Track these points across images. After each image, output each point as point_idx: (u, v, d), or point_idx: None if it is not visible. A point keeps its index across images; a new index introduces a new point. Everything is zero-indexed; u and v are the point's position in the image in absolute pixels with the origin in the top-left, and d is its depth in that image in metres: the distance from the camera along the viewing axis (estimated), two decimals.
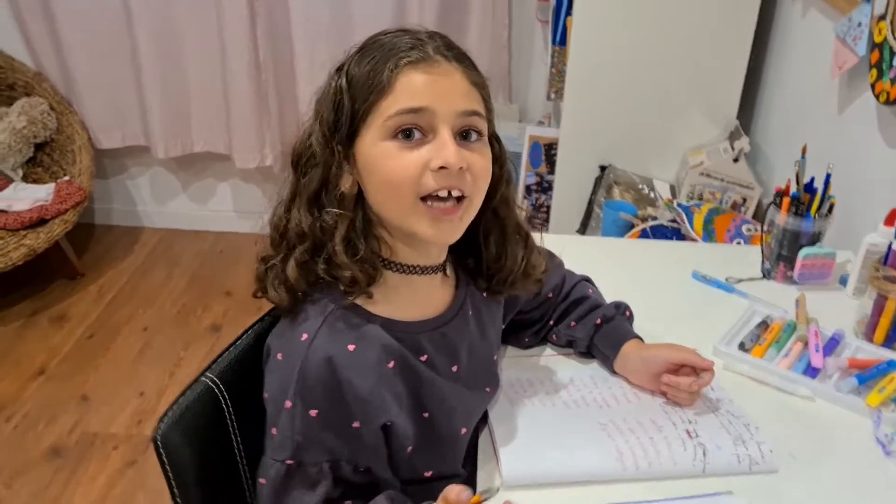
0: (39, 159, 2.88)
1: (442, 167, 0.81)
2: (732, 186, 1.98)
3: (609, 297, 1.19)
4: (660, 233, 1.91)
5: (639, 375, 1.09)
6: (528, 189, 2.30)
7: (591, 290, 1.18)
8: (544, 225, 2.24)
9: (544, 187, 2.31)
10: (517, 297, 1.08)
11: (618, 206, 2.03)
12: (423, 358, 0.91)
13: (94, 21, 2.74)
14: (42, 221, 2.55)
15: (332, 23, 2.62)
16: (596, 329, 1.13)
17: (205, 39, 2.74)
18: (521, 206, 1.02)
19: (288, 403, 0.83)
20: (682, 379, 1.04)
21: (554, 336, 1.17)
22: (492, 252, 0.98)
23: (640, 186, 2.09)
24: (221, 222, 3.15)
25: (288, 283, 0.87)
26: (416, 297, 0.93)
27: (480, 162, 0.86)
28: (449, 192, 0.83)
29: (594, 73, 2.03)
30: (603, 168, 2.13)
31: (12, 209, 2.55)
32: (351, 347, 0.84)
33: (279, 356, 0.87)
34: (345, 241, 0.85)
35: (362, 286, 0.85)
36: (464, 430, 0.96)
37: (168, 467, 0.86)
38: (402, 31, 0.87)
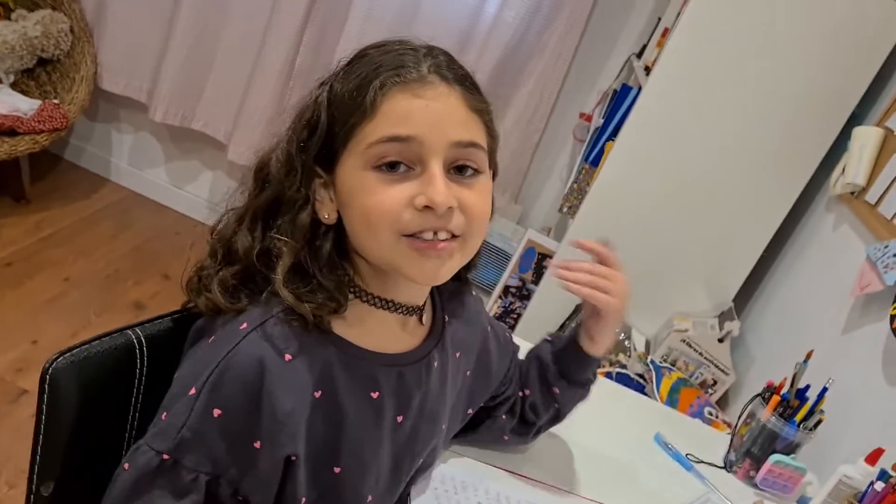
0: (37, 74, 2.74)
1: (427, 206, 0.71)
2: (708, 364, 1.91)
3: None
4: (623, 382, 1.82)
5: (608, 331, 1.04)
6: (506, 290, 2.21)
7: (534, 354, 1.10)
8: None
9: (523, 294, 2.22)
10: (489, 361, 0.98)
11: None
12: (375, 394, 0.79)
13: None
14: (12, 133, 2.39)
15: None
16: (554, 358, 1.06)
17: (249, 27, 2.67)
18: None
19: (192, 390, 0.70)
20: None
21: (530, 414, 1.07)
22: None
23: (618, 331, 2.01)
24: (190, 206, 3.00)
25: (211, 296, 0.76)
26: (380, 330, 0.81)
27: (475, 199, 0.74)
28: (434, 234, 0.73)
29: (614, 203, 1.98)
30: None
31: None
32: (288, 357, 0.72)
33: (210, 339, 0.74)
34: (291, 272, 0.74)
35: (310, 323, 0.74)
36: (370, 499, 0.83)
37: (45, 408, 0.73)
38: (399, 44, 0.76)
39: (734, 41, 1.81)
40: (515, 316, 2.21)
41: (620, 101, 2.07)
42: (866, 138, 1.72)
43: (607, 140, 2.07)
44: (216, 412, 0.70)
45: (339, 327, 0.77)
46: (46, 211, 2.66)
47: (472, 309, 0.95)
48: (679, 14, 1.91)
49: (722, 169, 1.91)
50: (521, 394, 1.07)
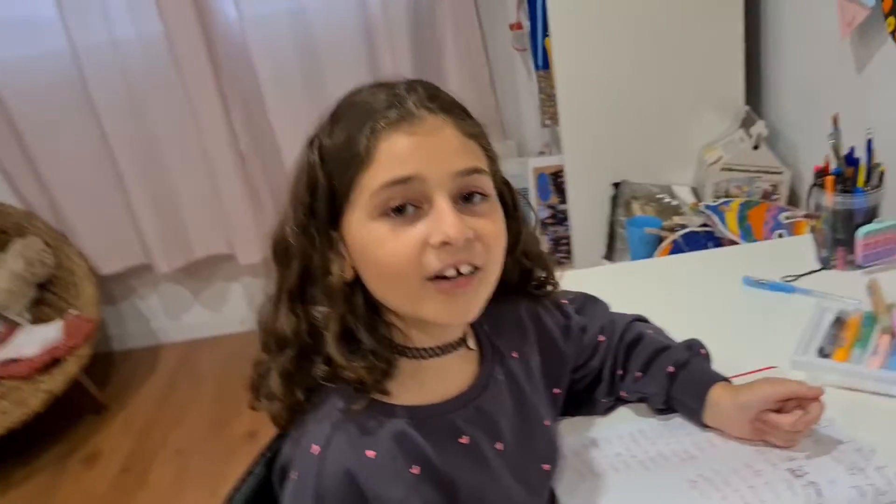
0: (45, 298, 2.80)
1: (444, 242, 0.69)
2: (758, 175, 1.84)
3: (665, 326, 1.05)
4: (693, 240, 1.77)
5: (737, 425, 0.91)
6: (542, 224, 2.18)
7: (649, 331, 1.02)
8: (567, 258, 2.11)
9: (559, 218, 2.18)
10: (555, 342, 0.95)
11: (641, 222, 1.89)
12: (464, 440, 0.78)
13: (75, 154, 2.71)
14: (55, 362, 2.46)
15: (307, 98, 2.55)
16: (670, 379, 0.95)
17: (186, 148, 2.69)
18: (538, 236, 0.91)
19: None
20: (783, 418, 0.87)
21: (623, 393, 1.00)
22: (514, 283, 0.88)
23: (660, 196, 1.96)
24: (238, 323, 3.04)
25: (276, 396, 0.74)
26: (438, 379, 0.80)
27: (490, 227, 0.73)
28: (457, 270, 0.71)
29: (585, 91, 1.92)
30: (616, 185, 2.00)
31: (23, 356, 2.45)
32: (370, 454, 0.71)
33: (294, 475, 0.73)
34: (340, 339, 0.72)
35: (371, 386, 0.73)
36: None
37: None
38: (378, 86, 0.75)
39: None
40: (566, 241, 2.17)
41: None
42: None
43: (543, 38, 2.00)
44: None
45: (398, 394, 0.75)
46: (127, 407, 2.73)
47: (510, 306, 0.91)
48: None
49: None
50: (618, 373, 1.00)
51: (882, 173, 1.20)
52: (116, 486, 2.36)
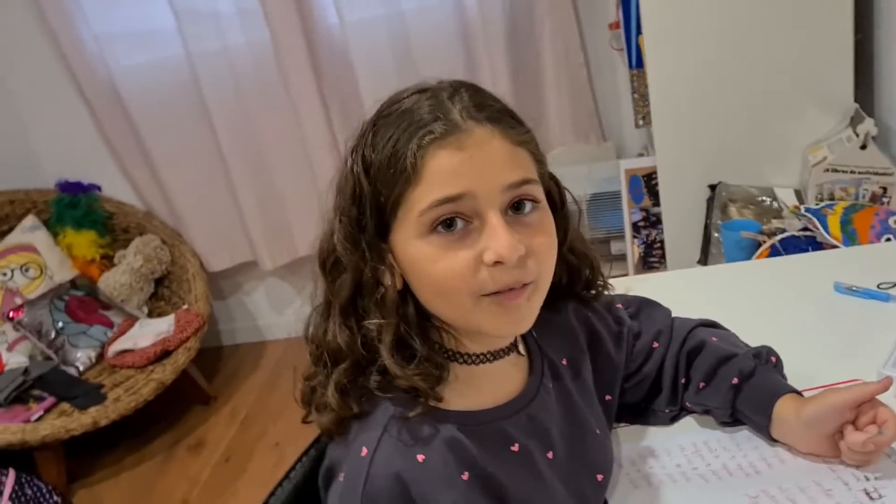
0: (160, 293, 2.98)
1: (497, 262, 0.68)
2: (867, 177, 1.72)
3: (740, 332, 1.00)
4: (793, 245, 1.68)
5: (805, 441, 0.86)
6: (635, 227, 2.12)
7: (713, 337, 0.97)
8: (661, 262, 2.04)
9: (652, 221, 2.11)
10: (605, 350, 0.92)
11: (738, 226, 1.81)
12: (515, 447, 0.77)
13: (189, 156, 2.86)
14: (166, 353, 2.60)
15: None
16: (734, 392, 0.90)
17: (289, 149, 2.78)
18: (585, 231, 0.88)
19: None
20: (854, 436, 0.81)
21: (688, 404, 0.96)
22: (561, 286, 0.86)
23: (760, 198, 1.87)
24: None
25: (330, 408, 0.74)
26: (489, 384, 0.79)
27: (541, 239, 0.72)
28: (511, 288, 0.70)
29: (680, 89, 1.85)
30: (713, 187, 1.92)
31: (137, 347, 2.61)
32: (420, 458, 0.70)
33: (341, 477, 0.73)
34: (395, 350, 0.72)
35: (425, 393, 0.72)
36: None
37: None
38: (420, 93, 0.72)
39: None
40: (659, 245, 2.10)
41: None
42: None
43: (637, 36, 1.95)
44: None
45: (451, 401, 0.75)
46: (233, 399, 2.86)
47: (558, 309, 0.89)
48: None
49: None
50: (681, 382, 0.96)
51: None
52: (218, 473, 2.47)
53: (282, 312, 3.20)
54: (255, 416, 2.73)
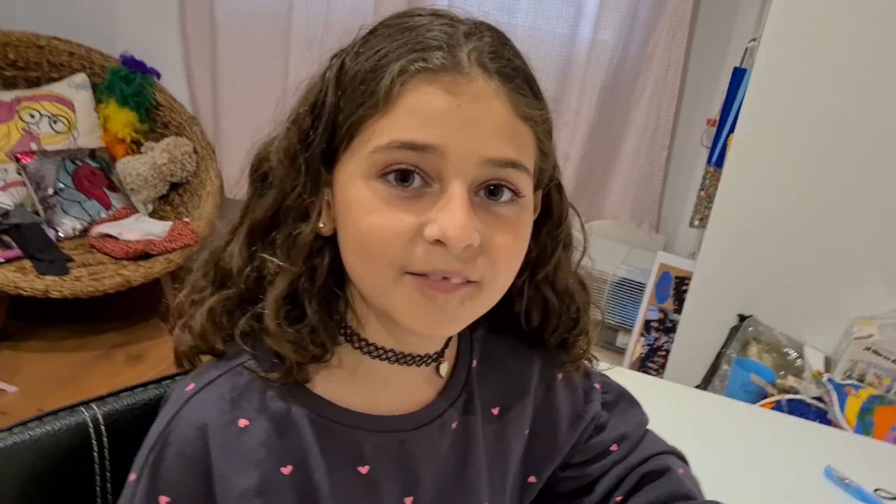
0: (171, 198, 2.89)
1: (439, 241, 0.54)
2: None
3: (713, 479, 0.83)
4: (798, 411, 1.51)
5: None
6: (647, 325, 1.96)
7: (681, 470, 0.79)
8: (659, 371, 1.88)
9: (667, 327, 1.95)
10: (556, 423, 0.75)
11: (752, 367, 1.65)
12: (364, 469, 0.62)
13: (253, 83, 2.75)
14: (147, 256, 2.50)
15: None
16: None
17: None
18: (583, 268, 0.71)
19: (132, 476, 0.58)
20: None
21: None
22: (533, 325, 0.70)
23: (786, 350, 1.70)
24: None
25: (194, 331, 0.61)
26: (378, 385, 0.64)
27: (505, 239, 0.57)
28: (445, 278, 0.55)
29: (749, 203, 1.70)
30: (742, 318, 1.76)
31: (122, 237, 2.52)
32: (243, 423, 0.57)
33: (161, 410, 0.61)
34: (283, 303, 0.59)
35: (292, 368, 0.59)
36: None
37: None
38: (438, 16, 0.58)
39: None
40: (664, 353, 1.94)
41: (734, 87, 1.82)
42: None
43: (728, 134, 1.81)
44: (162, 500, 0.56)
45: (319, 382, 0.61)
46: None
47: (522, 354, 0.74)
48: None
49: (874, 127, 1.58)
50: (616, 499, 0.79)
51: None
52: None
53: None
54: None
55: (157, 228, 2.61)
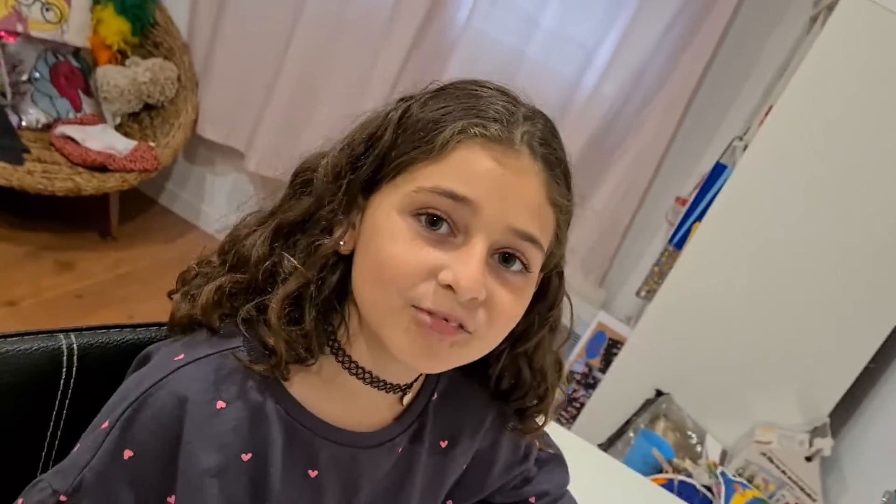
0: (141, 117, 2.84)
1: (450, 287, 0.58)
2: (792, 486, 1.64)
3: None
4: (686, 493, 1.59)
5: None
6: (570, 376, 2.03)
7: None
8: (570, 422, 1.95)
9: (589, 383, 2.03)
10: (491, 464, 0.81)
11: (655, 441, 1.72)
12: (313, 473, 0.66)
13: (256, 27, 2.74)
14: (104, 169, 2.46)
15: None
16: None
17: (346, 86, 2.67)
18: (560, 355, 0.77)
19: (106, 423, 0.60)
20: None
21: None
22: (501, 387, 0.75)
23: (690, 434, 1.78)
24: None
25: (196, 303, 0.65)
26: (347, 401, 0.68)
27: (507, 302, 0.62)
28: (445, 319, 0.60)
29: (696, 291, 1.78)
30: (659, 393, 1.84)
31: (84, 143, 2.47)
32: (220, 405, 0.61)
33: (144, 370, 0.64)
34: (286, 302, 0.63)
35: (281, 362, 0.62)
36: None
37: None
38: (503, 93, 0.65)
39: (842, 123, 1.61)
40: (578, 406, 2.01)
41: (713, 180, 1.90)
42: None
43: (694, 221, 1.89)
44: (127, 454, 0.59)
45: (296, 384, 0.65)
46: (129, 250, 2.70)
47: (481, 400, 0.79)
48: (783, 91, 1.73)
49: (822, 261, 1.68)
50: None
51: None
52: (61, 301, 2.31)
53: (229, 215, 3.05)
54: (134, 279, 2.57)
55: (120, 144, 2.57)
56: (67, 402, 0.69)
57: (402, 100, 0.66)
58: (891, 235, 1.63)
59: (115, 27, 2.75)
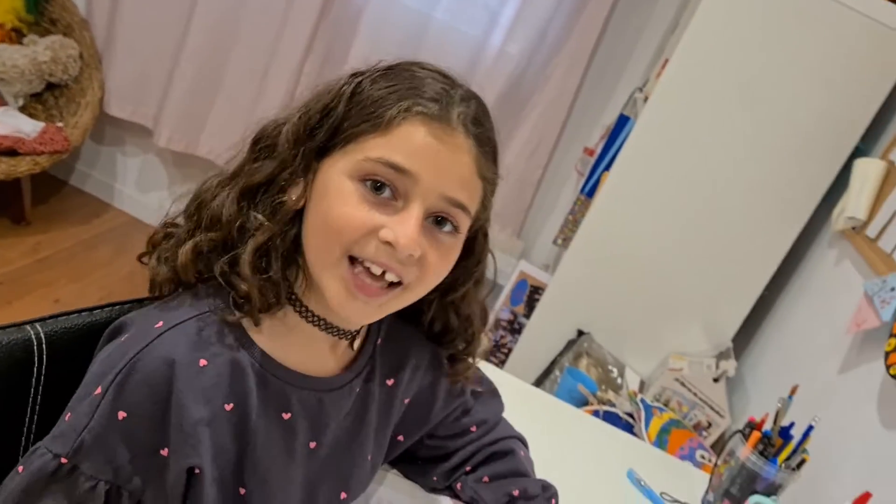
0: (45, 97, 2.77)
1: (389, 242, 0.68)
2: (703, 406, 1.82)
3: (537, 464, 1.02)
4: (611, 422, 1.73)
5: None
6: (496, 323, 2.15)
7: (522, 452, 1.00)
8: (499, 366, 2.07)
9: (514, 328, 2.15)
10: (432, 401, 0.91)
11: (580, 378, 1.87)
12: (287, 416, 0.75)
13: (157, 5, 2.70)
14: (13, 153, 2.40)
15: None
16: (509, 501, 0.94)
17: (253, 56, 2.68)
18: (483, 302, 0.88)
19: (98, 390, 0.66)
20: None
21: (459, 485, 0.98)
22: (433, 331, 0.86)
23: (611, 368, 1.93)
24: None
25: (175, 264, 0.72)
26: (307, 348, 0.77)
27: (437, 260, 0.72)
28: (383, 273, 0.69)
29: (608, 236, 1.91)
30: (580, 333, 1.98)
31: None
32: (203, 362, 0.68)
33: (123, 337, 0.70)
34: (256, 254, 0.71)
35: (254, 309, 0.70)
36: None
37: None
38: (442, 76, 0.74)
39: (733, 72, 1.76)
40: (506, 350, 2.14)
41: (618, 131, 2.03)
42: (867, 171, 1.65)
43: (603, 171, 2.02)
44: (121, 415, 0.65)
45: (265, 338, 0.73)
46: (45, 233, 2.66)
47: (419, 343, 0.89)
48: (677, 45, 1.87)
49: (719, 203, 1.84)
50: (465, 468, 0.98)
51: (803, 461, 1.18)
52: None
53: (144, 192, 3.03)
54: (55, 263, 2.54)
55: (27, 126, 2.51)
56: (41, 387, 0.74)
57: (353, 75, 0.74)
58: (778, 175, 1.80)
59: (7, 4, 2.66)
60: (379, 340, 0.84)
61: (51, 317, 0.76)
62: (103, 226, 2.88)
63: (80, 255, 2.64)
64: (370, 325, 0.84)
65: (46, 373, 0.75)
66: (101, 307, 0.81)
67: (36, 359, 0.74)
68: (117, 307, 0.82)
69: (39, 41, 2.68)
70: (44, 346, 0.74)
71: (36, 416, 0.76)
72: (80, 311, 0.79)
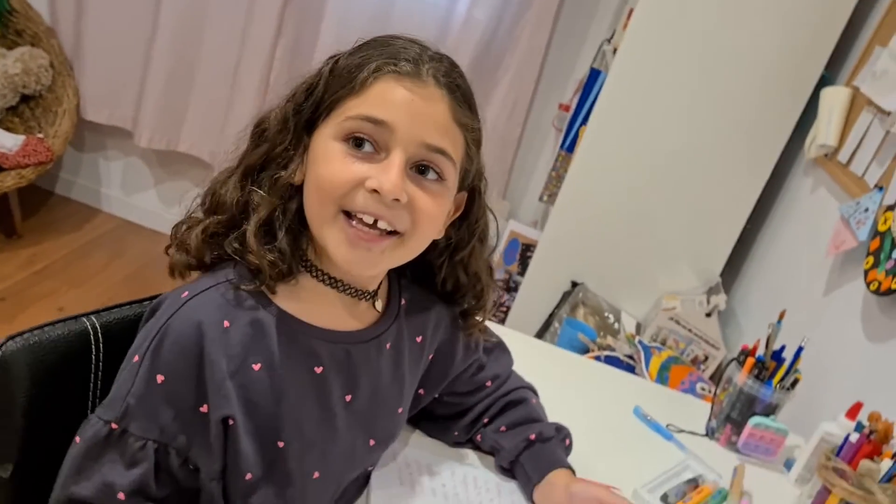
0: (21, 110, 2.77)
1: (375, 190, 0.72)
2: (698, 341, 1.89)
3: (548, 410, 1.08)
4: (613, 365, 1.80)
5: None
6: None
7: (533, 400, 1.07)
8: (500, 324, 2.13)
9: (510, 287, 2.22)
10: (452, 356, 0.97)
11: (578, 327, 1.93)
12: (319, 370, 0.80)
13: (123, 2, 2.70)
14: None
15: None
16: (527, 445, 1.00)
17: (224, 47, 2.69)
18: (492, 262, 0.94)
19: (136, 358, 0.73)
20: None
21: (479, 437, 1.04)
22: (446, 290, 0.91)
23: (607, 314, 2.00)
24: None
25: (189, 249, 0.78)
26: (327, 308, 0.82)
27: (427, 204, 0.76)
28: (375, 221, 0.74)
29: (592, 189, 1.97)
30: (574, 284, 2.05)
31: None
32: (227, 324, 0.74)
33: (158, 312, 0.76)
34: (261, 227, 0.76)
35: (267, 277, 0.76)
36: (316, 475, 0.82)
37: None
38: (415, 42, 0.78)
39: (697, 18, 1.81)
40: (505, 309, 2.20)
41: (591, 85, 2.08)
42: (835, 99, 1.71)
43: (580, 125, 2.07)
44: (159, 378, 0.72)
45: (284, 300, 0.78)
46: (38, 245, 2.69)
47: (438, 303, 0.94)
48: None
49: (695, 143, 1.90)
50: (483, 420, 1.05)
51: (796, 381, 1.25)
52: None
53: (130, 193, 3.05)
54: (52, 273, 2.57)
55: (8, 141, 2.52)
56: (100, 372, 0.81)
57: (331, 57, 0.79)
58: (749, 111, 1.86)
59: None
60: (403, 302, 0.90)
61: (104, 309, 0.83)
62: (94, 231, 2.90)
63: (75, 263, 2.67)
64: (391, 288, 0.89)
65: (104, 358, 0.82)
66: (148, 298, 0.87)
67: (93, 346, 0.80)
68: (147, 301, 0.88)
69: (8, 54, 2.68)
70: (99, 335, 0.81)
71: (98, 395, 0.83)
72: (130, 303, 0.85)
